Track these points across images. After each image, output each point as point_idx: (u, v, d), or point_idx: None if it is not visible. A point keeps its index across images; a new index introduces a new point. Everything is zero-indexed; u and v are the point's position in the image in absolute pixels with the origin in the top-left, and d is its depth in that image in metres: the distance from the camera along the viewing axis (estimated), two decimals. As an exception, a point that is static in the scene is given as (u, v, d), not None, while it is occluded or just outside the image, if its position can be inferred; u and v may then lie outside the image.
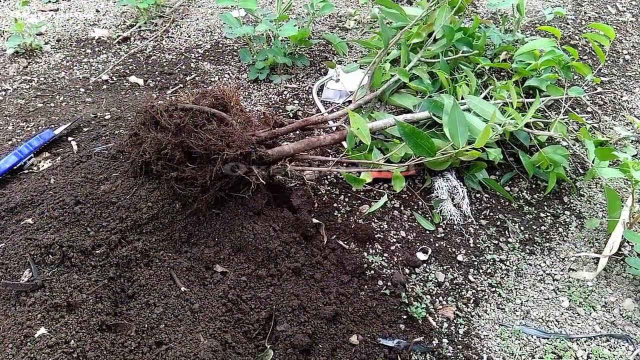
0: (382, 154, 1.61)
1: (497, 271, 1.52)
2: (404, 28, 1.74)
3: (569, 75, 1.90)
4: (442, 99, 1.60)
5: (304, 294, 1.30)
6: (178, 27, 2.32)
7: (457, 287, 1.46)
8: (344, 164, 1.55)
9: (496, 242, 1.59)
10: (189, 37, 2.26)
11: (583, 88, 2.06)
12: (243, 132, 1.36)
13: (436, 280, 1.46)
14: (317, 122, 1.61)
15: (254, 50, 2.08)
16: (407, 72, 1.69)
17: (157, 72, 2.08)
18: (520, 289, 1.48)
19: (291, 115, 1.90)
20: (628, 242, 1.60)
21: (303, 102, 1.97)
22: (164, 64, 2.11)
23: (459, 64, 1.88)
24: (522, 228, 1.64)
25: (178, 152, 1.31)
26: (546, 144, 1.75)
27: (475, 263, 1.53)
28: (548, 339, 1.37)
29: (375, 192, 1.66)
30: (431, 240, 1.56)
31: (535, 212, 1.68)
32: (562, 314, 1.43)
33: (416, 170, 1.69)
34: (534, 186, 1.76)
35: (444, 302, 1.42)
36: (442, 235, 1.58)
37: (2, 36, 2.19)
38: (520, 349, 1.34)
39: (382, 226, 1.57)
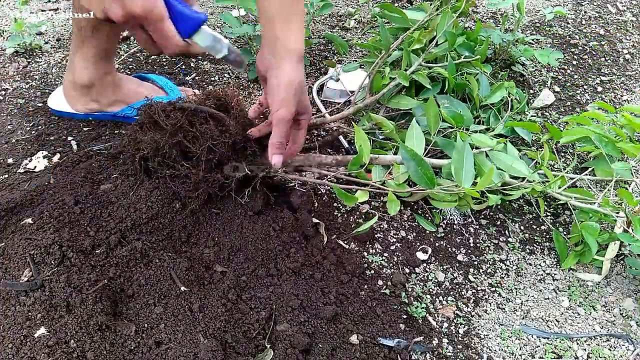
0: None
1: (497, 271, 1.52)
2: (406, 32, 1.74)
3: (617, 153, 1.58)
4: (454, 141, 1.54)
5: (303, 294, 1.29)
6: (178, 26, 2.31)
7: (457, 286, 1.46)
8: (343, 180, 1.52)
9: (496, 241, 1.59)
10: (189, 36, 2.26)
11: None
12: (241, 130, 1.36)
13: (436, 280, 1.46)
14: (317, 124, 1.62)
15: (254, 49, 2.08)
16: (407, 76, 1.68)
17: (157, 72, 2.07)
18: (520, 288, 1.48)
19: (291, 114, 1.90)
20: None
21: (303, 101, 1.97)
22: (164, 64, 2.11)
23: (461, 68, 1.87)
24: (522, 228, 1.63)
25: (174, 151, 1.31)
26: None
27: (475, 263, 1.53)
28: (548, 338, 1.37)
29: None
30: (431, 240, 1.56)
31: (536, 211, 1.68)
32: (562, 313, 1.43)
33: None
34: (534, 186, 1.76)
35: (444, 302, 1.42)
36: (442, 235, 1.58)
37: (1, 36, 2.19)
38: (520, 349, 1.34)
39: (382, 226, 1.57)
